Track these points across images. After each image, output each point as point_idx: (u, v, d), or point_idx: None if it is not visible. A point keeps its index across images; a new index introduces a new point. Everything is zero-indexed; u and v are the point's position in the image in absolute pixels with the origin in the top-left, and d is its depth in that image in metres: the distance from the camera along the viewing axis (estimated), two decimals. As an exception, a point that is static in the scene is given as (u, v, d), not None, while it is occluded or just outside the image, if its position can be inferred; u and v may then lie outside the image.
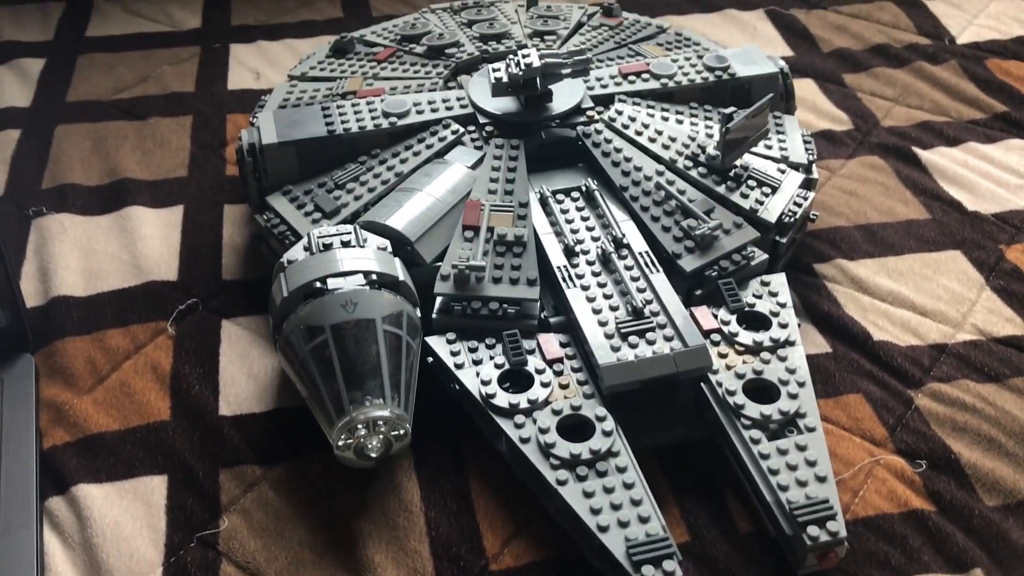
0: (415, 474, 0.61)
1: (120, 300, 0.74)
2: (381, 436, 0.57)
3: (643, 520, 0.53)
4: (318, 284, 0.61)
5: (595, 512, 0.54)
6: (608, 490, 0.55)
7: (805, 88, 0.99)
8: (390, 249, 0.65)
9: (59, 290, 0.74)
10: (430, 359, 0.64)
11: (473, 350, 0.63)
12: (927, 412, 0.65)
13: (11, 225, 0.81)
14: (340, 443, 0.57)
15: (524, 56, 0.74)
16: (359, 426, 0.56)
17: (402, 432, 0.57)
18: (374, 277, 0.62)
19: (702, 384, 0.61)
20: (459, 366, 0.62)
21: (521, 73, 0.74)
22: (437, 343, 0.64)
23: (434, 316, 0.65)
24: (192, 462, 0.62)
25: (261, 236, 0.75)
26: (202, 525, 0.58)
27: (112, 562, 0.56)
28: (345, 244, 0.64)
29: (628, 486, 0.55)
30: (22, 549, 0.57)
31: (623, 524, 0.53)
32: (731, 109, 0.71)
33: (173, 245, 0.79)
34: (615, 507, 0.54)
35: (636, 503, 0.54)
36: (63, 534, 0.58)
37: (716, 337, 0.64)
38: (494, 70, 0.75)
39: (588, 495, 0.55)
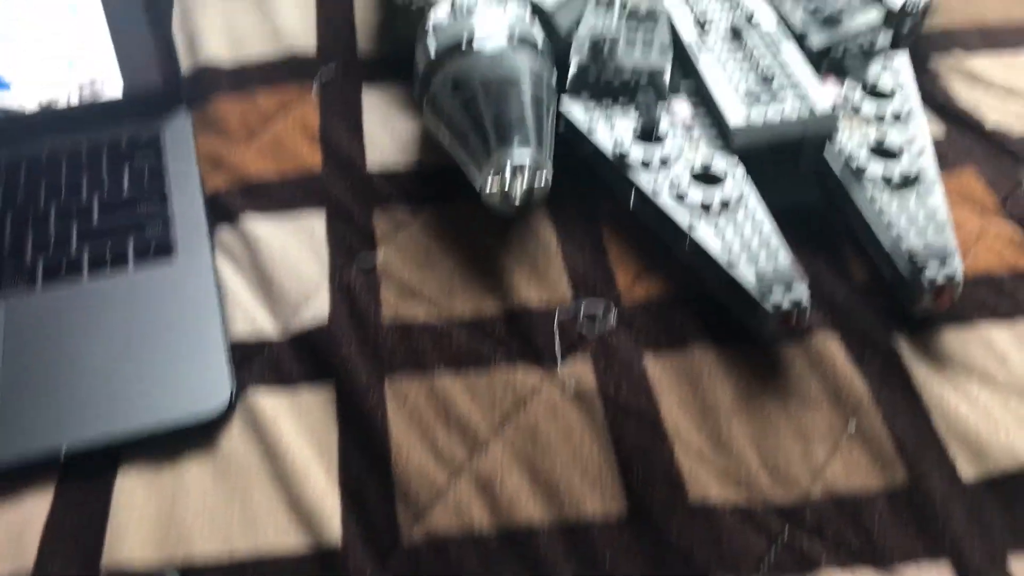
0: (551, 223, 0.66)
1: (265, 66, 0.78)
2: (524, 179, 0.61)
3: (772, 255, 0.58)
4: (464, 45, 0.65)
5: (725, 248, 0.58)
6: (738, 229, 0.59)
7: None
8: (530, 14, 0.68)
9: (206, 56, 0.79)
10: (561, 129, 0.67)
11: (606, 114, 0.67)
12: (1038, 188, 0.68)
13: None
14: (487, 185, 0.61)
15: None
16: (506, 166, 0.60)
17: (544, 177, 0.62)
18: (516, 40, 0.65)
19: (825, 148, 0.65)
20: (592, 128, 0.66)
21: None
22: (572, 106, 0.67)
23: (568, 83, 0.68)
24: (347, 203, 0.67)
25: (395, 7, 0.77)
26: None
27: (282, 280, 0.62)
28: (488, 7, 0.67)
29: (757, 225, 0.59)
30: (200, 269, 0.63)
31: (752, 258, 0.58)
32: None
33: (309, 14, 0.82)
34: (745, 244, 0.58)
35: (765, 240, 0.58)
36: (234, 257, 0.64)
37: (841, 107, 0.67)
38: None
39: (719, 233, 0.59)
